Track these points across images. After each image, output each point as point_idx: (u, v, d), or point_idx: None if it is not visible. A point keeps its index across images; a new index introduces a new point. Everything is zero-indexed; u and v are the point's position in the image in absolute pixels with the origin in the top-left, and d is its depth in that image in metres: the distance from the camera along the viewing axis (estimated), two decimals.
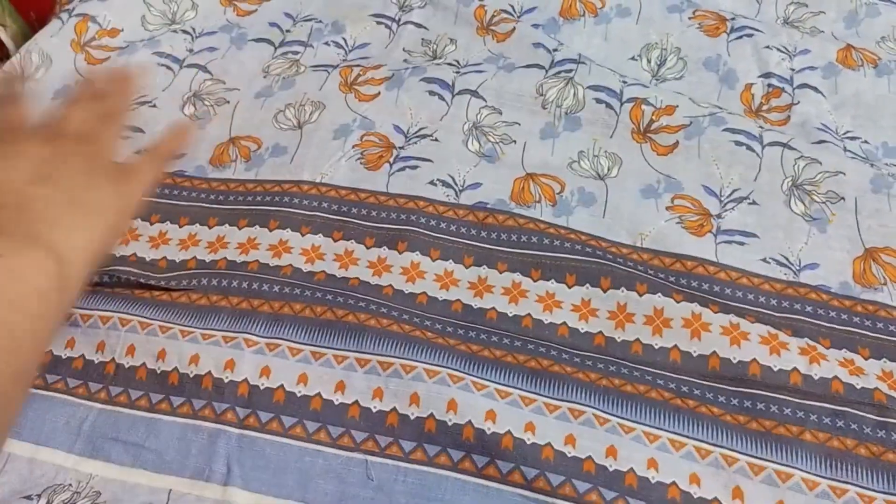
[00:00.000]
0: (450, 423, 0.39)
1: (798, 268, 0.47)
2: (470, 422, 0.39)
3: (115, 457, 0.40)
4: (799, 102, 0.57)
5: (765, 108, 0.57)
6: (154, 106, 0.58)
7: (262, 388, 0.41)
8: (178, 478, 0.39)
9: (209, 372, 0.42)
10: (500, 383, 0.41)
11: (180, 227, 0.51)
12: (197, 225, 0.51)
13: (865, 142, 0.55)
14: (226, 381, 0.41)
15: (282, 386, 0.41)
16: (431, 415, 0.40)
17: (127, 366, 0.43)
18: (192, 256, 0.49)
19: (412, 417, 0.40)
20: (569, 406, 0.40)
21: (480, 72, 0.58)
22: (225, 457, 0.40)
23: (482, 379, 0.41)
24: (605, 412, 0.40)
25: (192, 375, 0.42)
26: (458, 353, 0.42)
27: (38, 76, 0.58)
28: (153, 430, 0.41)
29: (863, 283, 0.46)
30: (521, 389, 0.41)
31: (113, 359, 0.43)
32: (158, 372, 0.42)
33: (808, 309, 0.45)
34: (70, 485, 0.39)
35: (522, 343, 0.43)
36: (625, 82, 0.57)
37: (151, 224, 0.51)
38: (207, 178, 0.53)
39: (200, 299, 0.45)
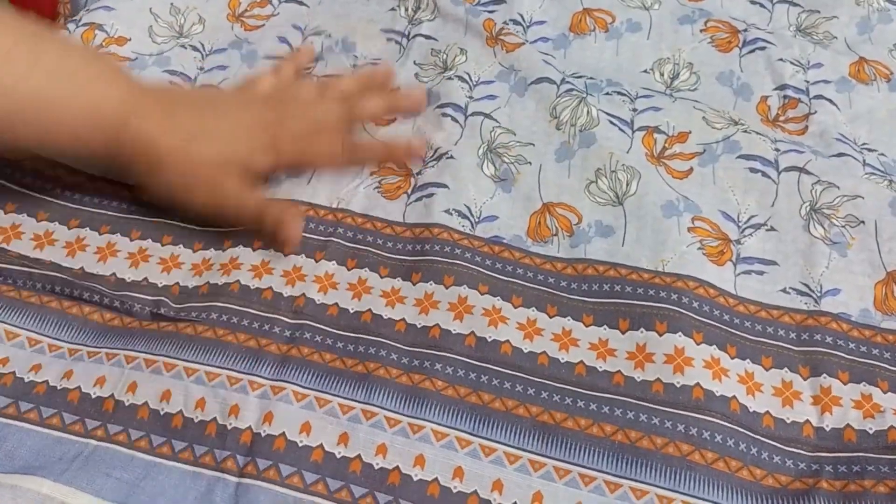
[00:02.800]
0: (454, 491, 0.39)
1: (819, 294, 0.47)
2: (476, 492, 0.38)
3: (106, 493, 0.38)
4: (816, 112, 0.57)
5: (782, 118, 0.57)
6: None
7: (263, 435, 0.40)
8: None
9: (214, 418, 0.41)
10: (509, 445, 0.40)
11: (194, 251, 0.50)
12: (212, 250, 0.49)
13: (883, 154, 0.55)
14: (229, 427, 0.40)
15: (283, 434, 0.40)
16: (436, 479, 0.39)
17: (127, 403, 0.41)
18: (205, 282, 0.48)
19: (415, 479, 0.39)
20: (580, 471, 0.39)
21: (493, 97, 0.58)
22: None
23: (491, 441, 0.40)
24: (616, 476, 0.39)
25: (196, 420, 0.41)
26: (468, 408, 0.41)
27: None
28: (150, 472, 0.39)
29: (884, 310, 0.46)
30: (530, 452, 0.40)
31: (112, 395, 0.42)
32: (162, 413, 0.41)
33: (829, 339, 0.45)
34: None
35: (536, 390, 0.42)
36: (635, 110, 0.57)
37: (163, 245, 0.50)
38: None
39: (206, 331, 0.44)
